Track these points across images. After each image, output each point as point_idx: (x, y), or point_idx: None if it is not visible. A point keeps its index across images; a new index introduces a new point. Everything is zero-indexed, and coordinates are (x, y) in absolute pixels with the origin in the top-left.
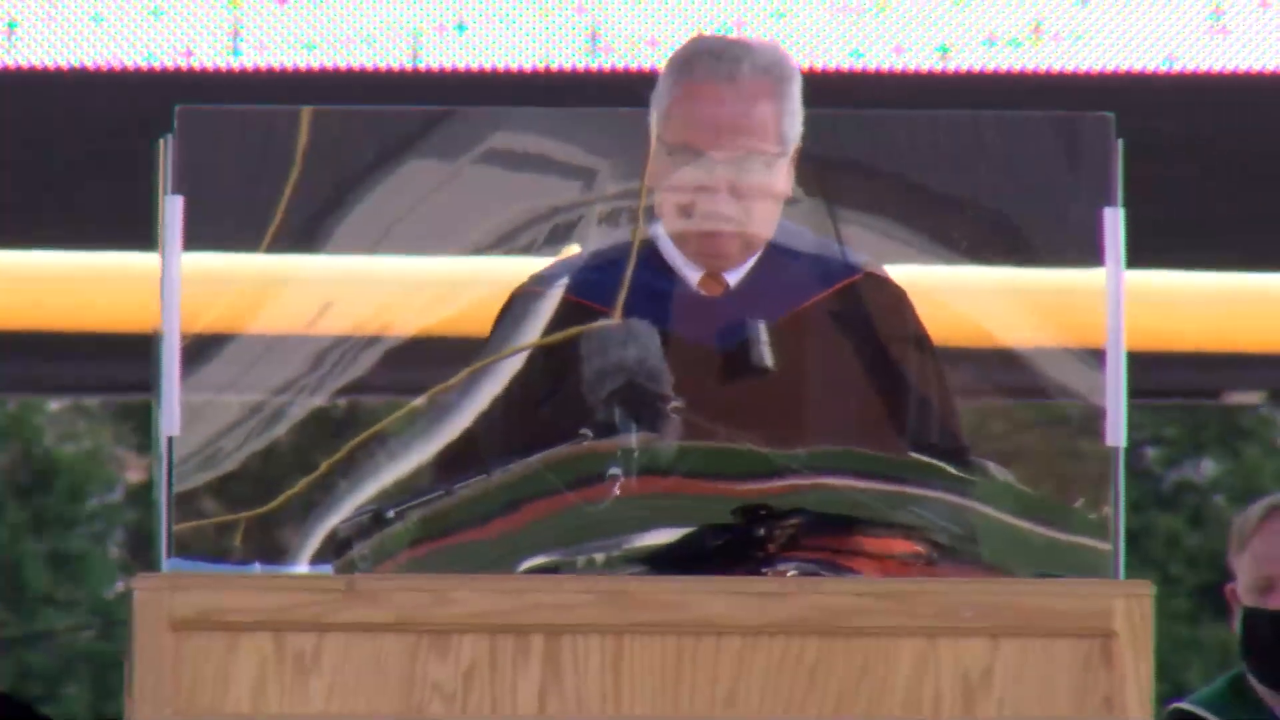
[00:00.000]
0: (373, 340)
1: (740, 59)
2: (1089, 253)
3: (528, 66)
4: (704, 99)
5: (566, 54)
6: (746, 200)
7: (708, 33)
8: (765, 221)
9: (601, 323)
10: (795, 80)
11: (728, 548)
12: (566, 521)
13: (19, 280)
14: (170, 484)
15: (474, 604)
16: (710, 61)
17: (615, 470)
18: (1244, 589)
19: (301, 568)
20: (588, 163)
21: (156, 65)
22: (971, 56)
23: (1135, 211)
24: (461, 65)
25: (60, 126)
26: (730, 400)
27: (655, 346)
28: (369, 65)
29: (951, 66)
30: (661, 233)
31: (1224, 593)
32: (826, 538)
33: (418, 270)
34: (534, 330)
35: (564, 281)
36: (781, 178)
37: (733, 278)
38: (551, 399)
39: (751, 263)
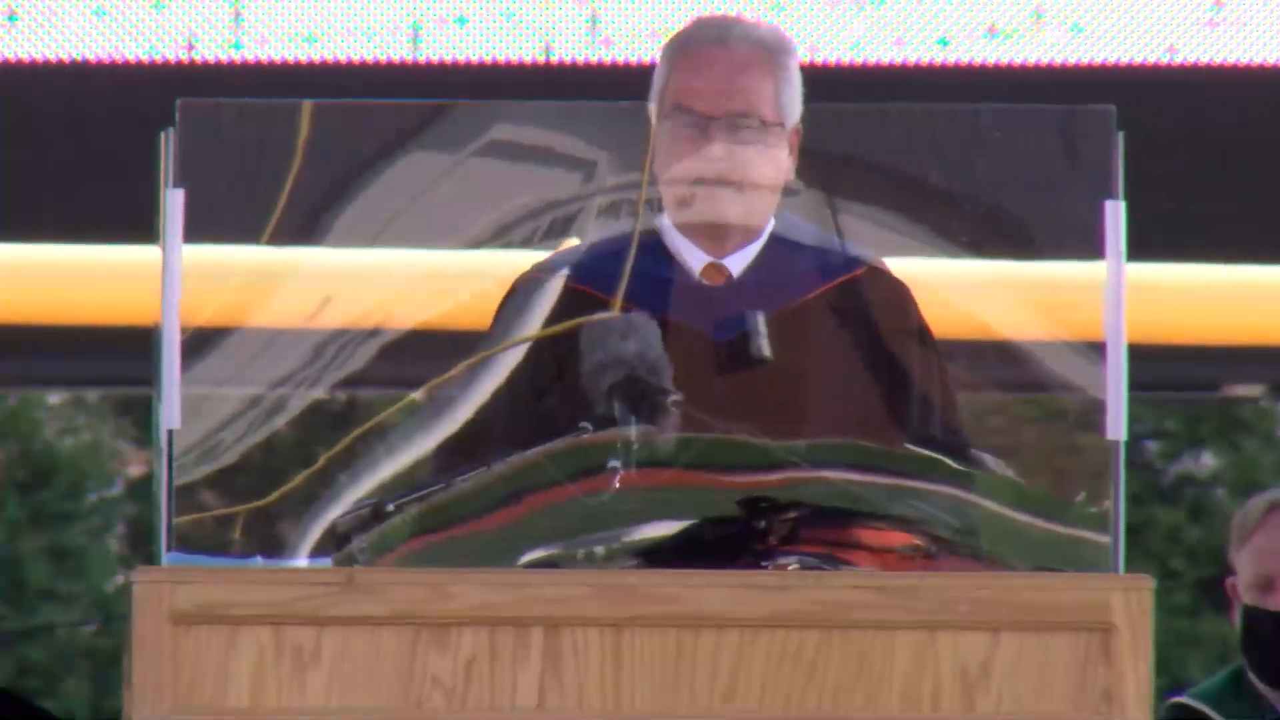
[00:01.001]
0: (372, 333)
1: (734, 26)
2: (1089, 245)
3: (528, 59)
4: (699, 63)
5: (566, 46)
6: (742, 156)
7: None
8: (761, 174)
9: (602, 315)
10: (791, 55)
11: (727, 541)
12: (566, 514)
13: (19, 274)
14: (170, 477)
15: (473, 597)
16: (706, 29)
17: (615, 463)
18: (1244, 586)
19: (301, 561)
20: (588, 155)
21: (158, 58)
22: (972, 49)
23: (1136, 204)
24: (461, 58)
25: (61, 120)
26: (729, 391)
27: (656, 339)
28: (369, 58)
29: (951, 59)
30: (666, 223)
31: (1224, 587)
32: (826, 531)
33: (417, 263)
34: (536, 318)
35: (566, 269)
36: (779, 150)
37: (735, 268)
38: (552, 391)
39: (754, 254)
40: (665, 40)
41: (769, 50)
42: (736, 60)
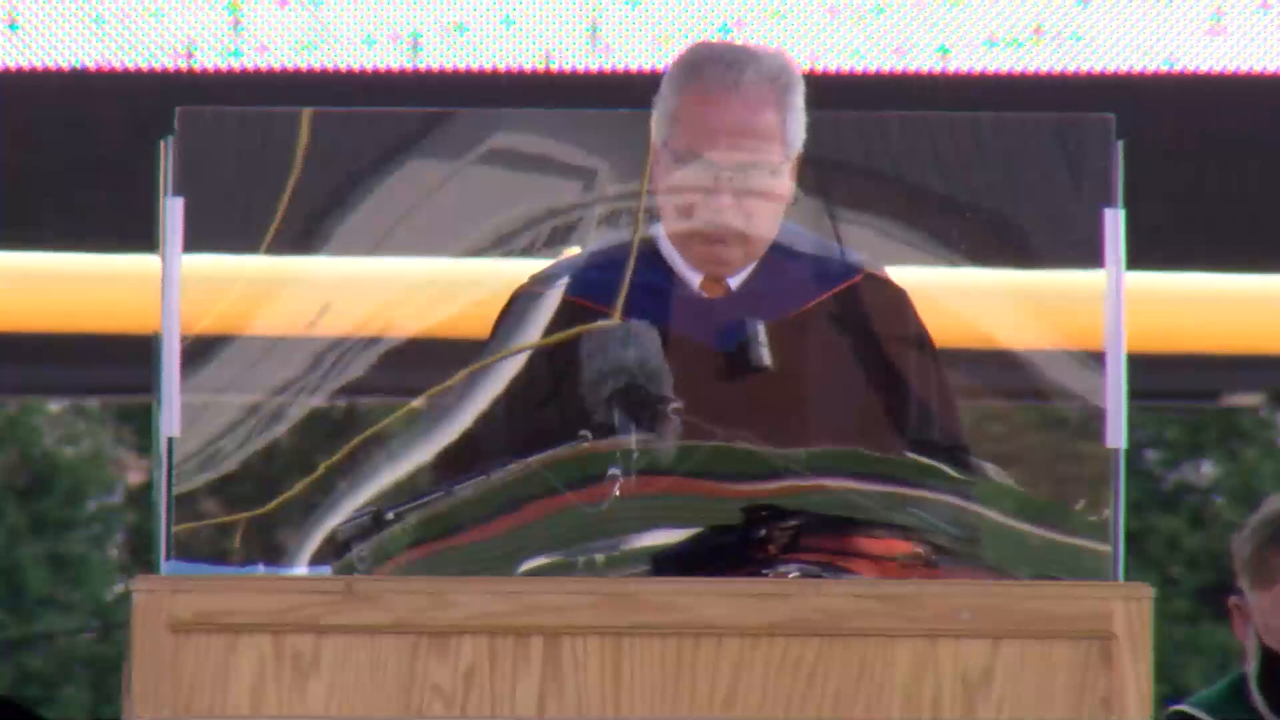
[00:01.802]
0: (372, 341)
1: (746, 66)
2: (1089, 254)
3: (527, 67)
4: (711, 106)
5: (566, 54)
6: (751, 207)
7: (709, 36)
8: (768, 227)
9: (602, 323)
10: (799, 86)
11: (728, 549)
12: (566, 522)
13: (19, 282)
14: (170, 485)
15: (473, 605)
16: (717, 69)
17: (615, 471)
18: (1265, 629)
19: (301, 569)
20: (588, 163)
21: (157, 67)
22: (972, 58)
23: (1135, 213)
24: (461, 66)
25: (61, 128)
26: (729, 400)
27: (655, 348)
28: (369, 66)
29: (952, 68)
30: (662, 234)
31: (1228, 605)
32: (827, 539)
33: (417, 271)
34: (534, 331)
35: (564, 282)
36: (785, 184)
37: (734, 279)
38: (552, 400)
39: (752, 264)
40: (674, 63)
41: (779, 86)
42: (750, 102)
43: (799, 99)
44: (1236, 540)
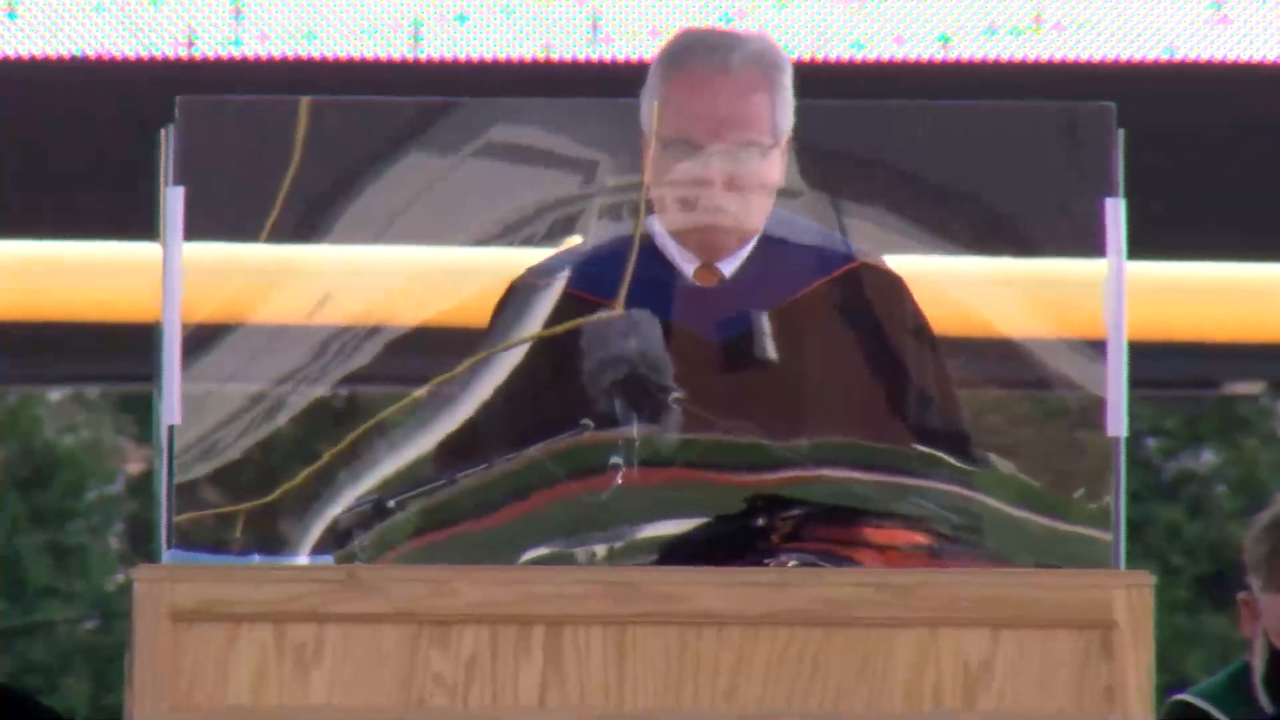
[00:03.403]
0: (374, 330)
1: (732, 50)
2: (1089, 243)
3: (528, 56)
4: (698, 92)
5: (567, 44)
6: (743, 192)
7: (703, 25)
8: (760, 212)
9: (603, 314)
10: (786, 70)
11: (730, 539)
12: (568, 512)
13: (19, 271)
14: (171, 474)
15: (475, 595)
16: (702, 54)
17: (616, 460)
18: (1276, 633)
19: (302, 559)
20: (588, 155)
21: (158, 55)
22: (972, 46)
23: (1136, 202)
24: (462, 55)
25: (61, 116)
26: (731, 390)
27: (657, 337)
28: (370, 55)
29: (952, 56)
30: (656, 226)
31: (1237, 599)
32: (829, 529)
33: (419, 261)
34: (535, 323)
35: (564, 275)
36: (775, 168)
37: (727, 268)
38: (552, 390)
39: (746, 253)
40: (661, 52)
41: (766, 70)
42: (739, 86)
43: (787, 82)
44: (1249, 538)
